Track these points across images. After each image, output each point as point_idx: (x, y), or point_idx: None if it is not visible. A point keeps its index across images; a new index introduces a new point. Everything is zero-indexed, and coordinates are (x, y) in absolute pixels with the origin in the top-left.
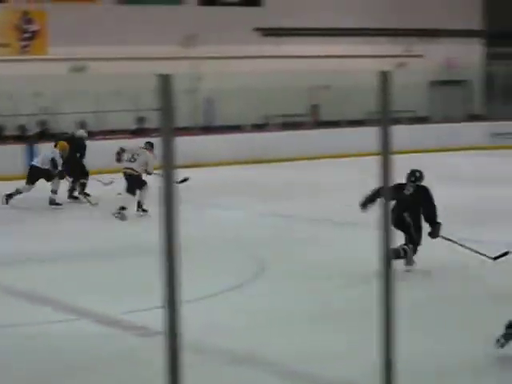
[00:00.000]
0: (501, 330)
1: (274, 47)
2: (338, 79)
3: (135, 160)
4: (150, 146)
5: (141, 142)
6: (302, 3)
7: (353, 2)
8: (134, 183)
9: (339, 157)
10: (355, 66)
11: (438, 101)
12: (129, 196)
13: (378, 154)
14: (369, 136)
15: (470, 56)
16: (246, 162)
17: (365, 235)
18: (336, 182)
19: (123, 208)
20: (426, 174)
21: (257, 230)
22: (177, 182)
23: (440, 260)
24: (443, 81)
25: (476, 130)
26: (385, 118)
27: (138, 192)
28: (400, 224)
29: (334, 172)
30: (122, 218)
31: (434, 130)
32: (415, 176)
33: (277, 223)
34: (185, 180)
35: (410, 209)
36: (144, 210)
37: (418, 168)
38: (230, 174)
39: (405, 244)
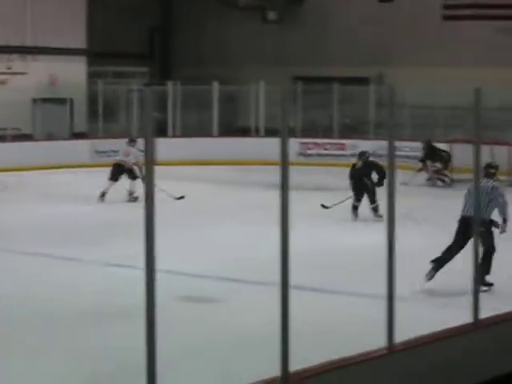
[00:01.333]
0: None
1: None
2: None
3: None
4: None
5: None
6: None
7: None
8: None
9: None
10: None
11: (41, 118)
12: None
13: None
14: None
15: (73, 74)
16: None
17: None
18: None
19: None
20: (30, 191)
21: None
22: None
23: None
24: (47, 98)
25: (79, 148)
26: None
27: None
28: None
29: None
30: None
31: (39, 147)
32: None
33: None
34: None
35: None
36: None
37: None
38: None
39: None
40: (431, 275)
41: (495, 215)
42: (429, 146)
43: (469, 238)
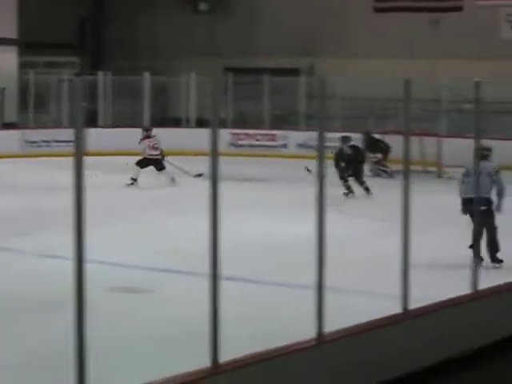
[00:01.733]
0: None
1: None
2: None
3: None
4: None
5: None
6: None
7: None
8: None
9: None
10: None
11: None
12: None
13: None
14: None
15: (4, 64)
16: None
17: None
18: None
19: None
20: None
21: None
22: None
23: None
24: None
25: (10, 138)
26: None
27: None
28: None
29: None
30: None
31: None
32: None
33: None
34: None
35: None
36: None
37: None
38: None
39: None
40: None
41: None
42: (368, 137)
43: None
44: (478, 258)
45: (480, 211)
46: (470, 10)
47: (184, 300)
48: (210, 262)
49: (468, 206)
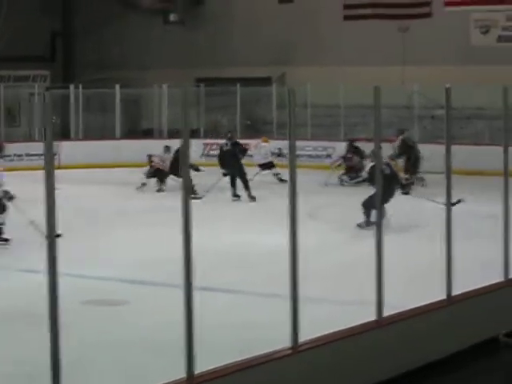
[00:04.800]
0: None
1: None
2: None
3: None
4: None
5: None
6: None
7: None
8: None
9: None
10: None
11: None
12: None
13: None
14: None
15: None
16: None
17: None
18: None
19: None
20: None
21: None
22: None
23: None
24: None
25: None
26: None
27: None
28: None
29: None
30: None
31: None
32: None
33: None
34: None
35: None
36: None
37: None
38: None
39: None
40: None
41: None
42: (351, 144)
43: None
44: None
45: None
46: (439, 16)
47: (159, 312)
48: (183, 273)
49: None
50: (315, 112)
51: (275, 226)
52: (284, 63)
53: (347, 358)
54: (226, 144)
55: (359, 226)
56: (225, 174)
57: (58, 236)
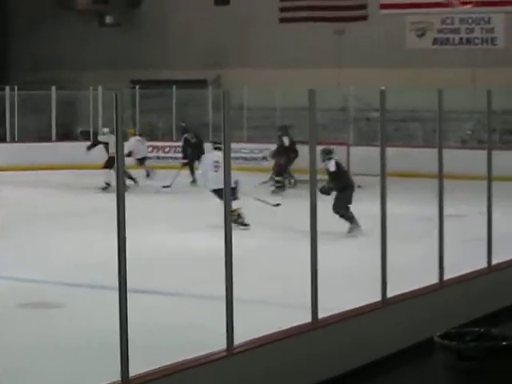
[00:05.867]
0: None
1: None
2: None
3: None
4: None
5: None
6: None
7: None
8: None
9: None
10: None
11: None
12: None
13: None
14: None
15: None
16: None
17: None
18: None
19: None
20: None
21: None
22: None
23: None
24: None
25: None
26: None
27: None
28: None
29: None
30: None
31: None
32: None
33: None
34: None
35: None
36: None
37: None
38: None
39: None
40: None
41: None
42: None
43: None
44: None
45: None
46: (374, 19)
47: (95, 315)
48: (118, 275)
49: None
50: (251, 114)
51: (212, 228)
52: (220, 66)
53: (282, 359)
54: None
55: (350, 232)
56: None
57: None
